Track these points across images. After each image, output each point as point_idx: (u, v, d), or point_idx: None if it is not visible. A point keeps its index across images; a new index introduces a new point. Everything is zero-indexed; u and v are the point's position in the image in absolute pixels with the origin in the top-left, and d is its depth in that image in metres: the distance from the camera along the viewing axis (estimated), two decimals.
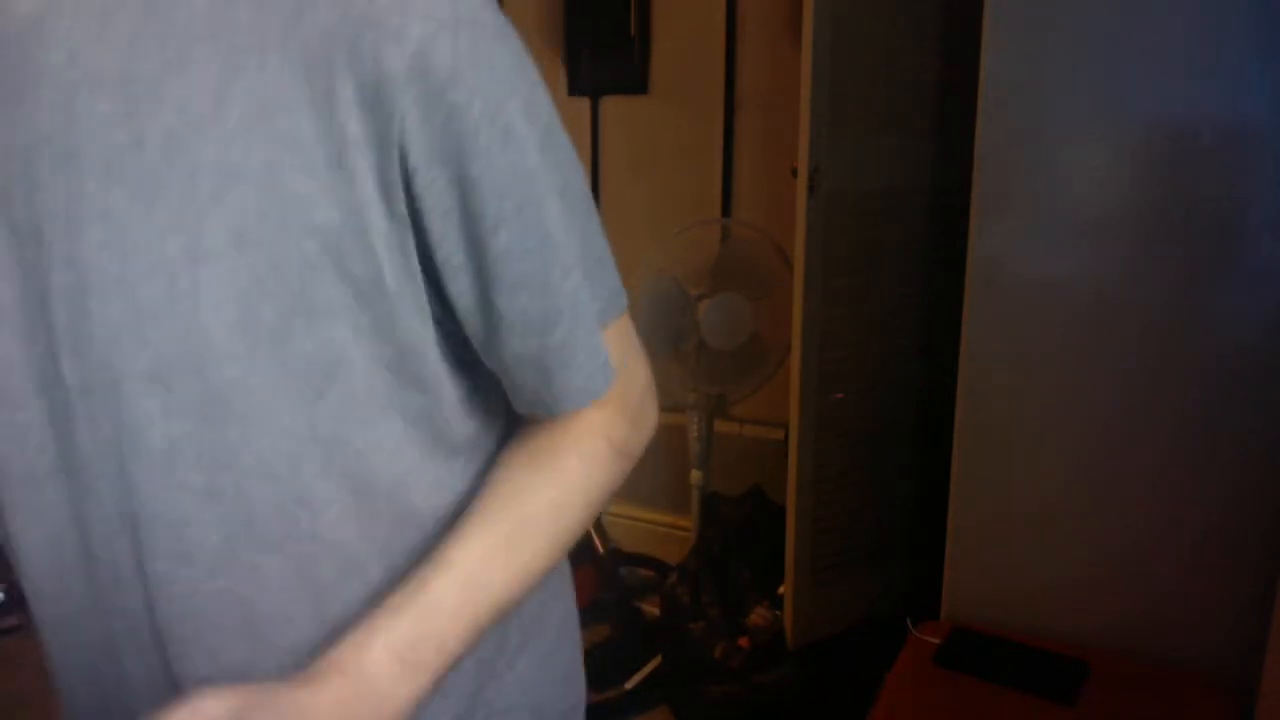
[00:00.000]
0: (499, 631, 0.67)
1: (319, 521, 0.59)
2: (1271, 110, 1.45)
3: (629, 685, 2.23)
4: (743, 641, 2.22)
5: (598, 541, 2.61)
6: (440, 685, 0.58)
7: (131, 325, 0.54)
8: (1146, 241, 1.56)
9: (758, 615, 2.26)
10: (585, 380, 0.62)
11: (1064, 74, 1.57)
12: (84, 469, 0.58)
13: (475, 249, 0.57)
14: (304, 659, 0.57)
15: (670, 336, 2.30)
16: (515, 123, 0.55)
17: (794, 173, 2.05)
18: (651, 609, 2.46)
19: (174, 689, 0.59)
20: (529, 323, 0.60)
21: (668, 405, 2.41)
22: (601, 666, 2.26)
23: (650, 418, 0.70)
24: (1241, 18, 1.44)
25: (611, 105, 2.72)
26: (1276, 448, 1.51)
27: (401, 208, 0.54)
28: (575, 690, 0.80)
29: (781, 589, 2.24)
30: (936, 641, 1.68)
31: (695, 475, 2.49)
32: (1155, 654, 1.62)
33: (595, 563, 2.53)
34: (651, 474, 2.76)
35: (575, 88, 2.72)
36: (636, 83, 2.67)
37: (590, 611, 2.44)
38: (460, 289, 0.58)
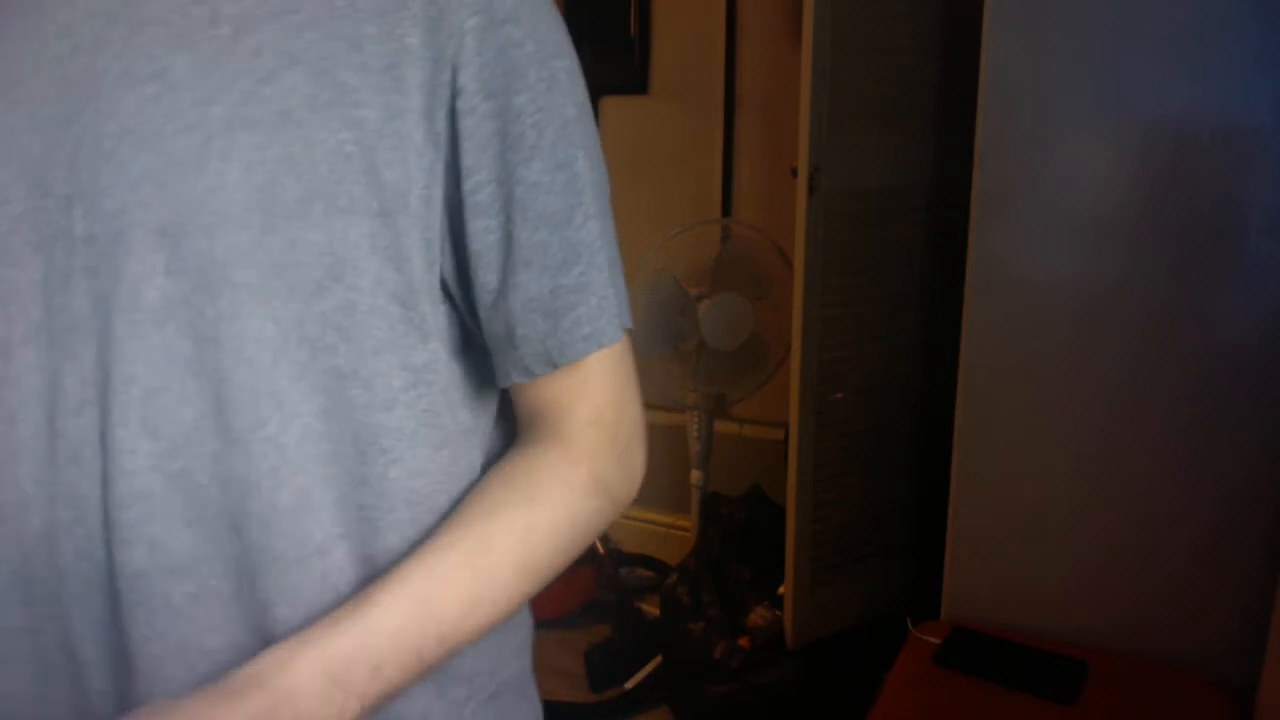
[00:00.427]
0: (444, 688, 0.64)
1: (286, 432, 0.57)
2: (1271, 110, 1.45)
3: (629, 685, 2.23)
4: (743, 641, 2.22)
5: (598, 541, 2.62)
6: None
7: (155, 175, 0.55)
8: (1146, 241, 1.56)
9: (758, 615, 2.26)
10: (593, 326, 0.62)
11: (1064, 73, 1.57)
12: (71, 327, 0.56)
13: (507, 177, 0.59)
14: (244, 571, 0.57)
15: (670, 336, 2.30)
16: (561, 77, 0.60)
17: (794, 173, 2.05)
18: (651, 609, 2.46)
19: (111, 591, 0.57)
20: (547, 259, 0.60)
21: (668, 405, 2.42)
22: (601, 666, 2.26)
23: (637, 462, 0.67)
24: (1241, 18, 1.44)
25: (611, 105, 2.72)
26: (1276, 448, 1.51)
27: (440, 127, 0.57)
28: None
29: (781, 589, 2.24)
30: (936, 641, 1.68)
31: (695, 475, 2.49)
32: (1155, 654, 1.62)
33: (595, 563, 2.53)
34: (651, 474, 2.75)
35: None
36: (636, 83, 2.68)
37: (590, 611, 2.44)
38: (483, 225, 0.59)
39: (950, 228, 1.99)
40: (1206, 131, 1.50)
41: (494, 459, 0.67)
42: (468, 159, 0.58)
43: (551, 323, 0.61)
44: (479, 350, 0.65)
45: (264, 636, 0.58)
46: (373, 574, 0.60)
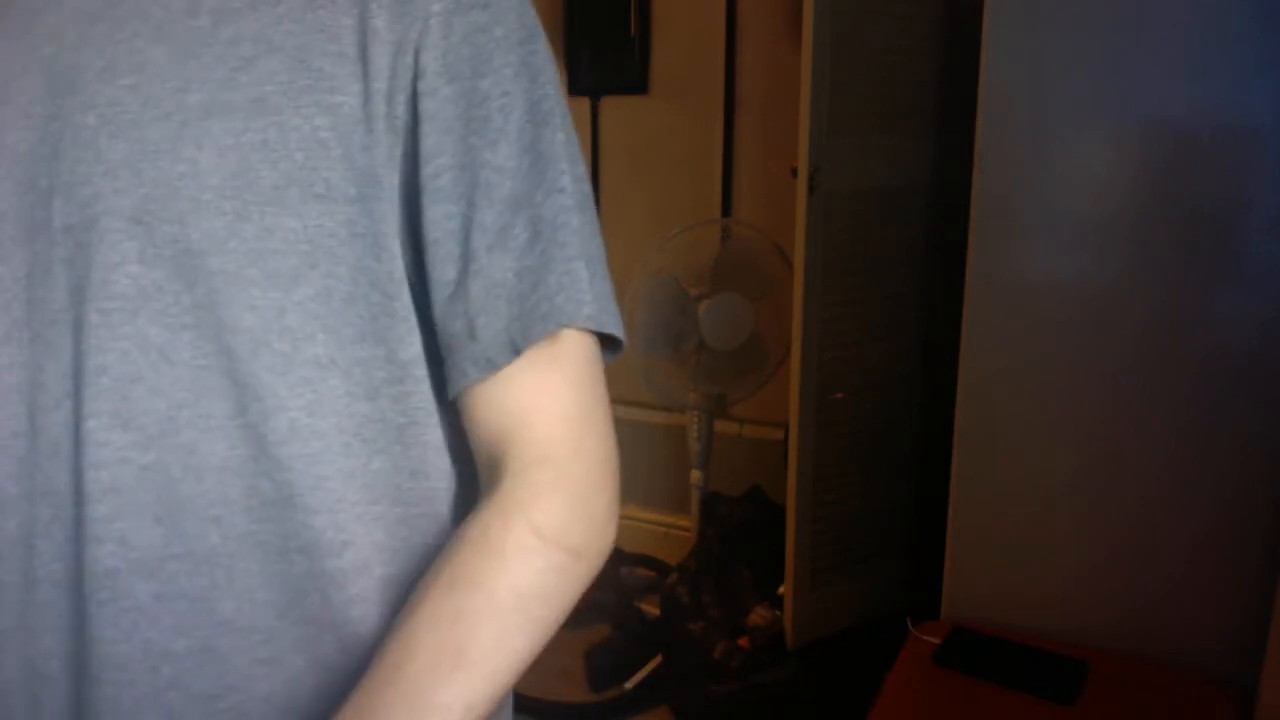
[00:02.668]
0: None
1: (267, 424, 0.56)
2: (1271, 110, 1.45)
3: (629, 685, 2.23)
4: (743, 641, 2.22)
5: None
6: None
7: (130, 162, 0.54)
8: (1146, 241, 1.56)
9: (758, 615, 2.26)
10: (551, 304, 0.57)
11: (1064, 74, 1.57)
12: (50, 319, 0.56)
13: (470, 161, 0.57)
14: (219, 571, 0.56)
15: (670, 336, 2.30)
16: (530, 60, 0.59)
17: (794, 173, 2.05)
18: (651, 609, 2.46)
19: (79, 594, 0.56)
20: (510, 241, 0.57)
21: (668, 405, 2.42)
22: (601, 666, 2.26)
23: (601, 506, 0.59)
24: (1241, 19, 1.44)
25: (611, 105, 2.72)
26: (1276, 448, 1.51)
27: (400, 111, 0.56)
28: None
29: (781, 589, 2.24)
30: (936, 641, 1.68)
31: (695, 475, 2.49)
32: (1155, 654, 1.62)
33: None
34: (651, 474, 2.76)
35: (575, 88, 2.73)
36: (636, 83, 2.68)
37: (590, 611, 2.44)
38: (442, 211, 0.57)
39: (950, 228, 1.99)
40: (1206, 131, 1.50)
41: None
42: (428, 141, 0.56)
43: (516, 306, 0.56)
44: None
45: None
46: (357, 570, 0.58)
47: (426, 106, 0.56)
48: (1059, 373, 1.65)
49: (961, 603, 1.77)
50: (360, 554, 0.59)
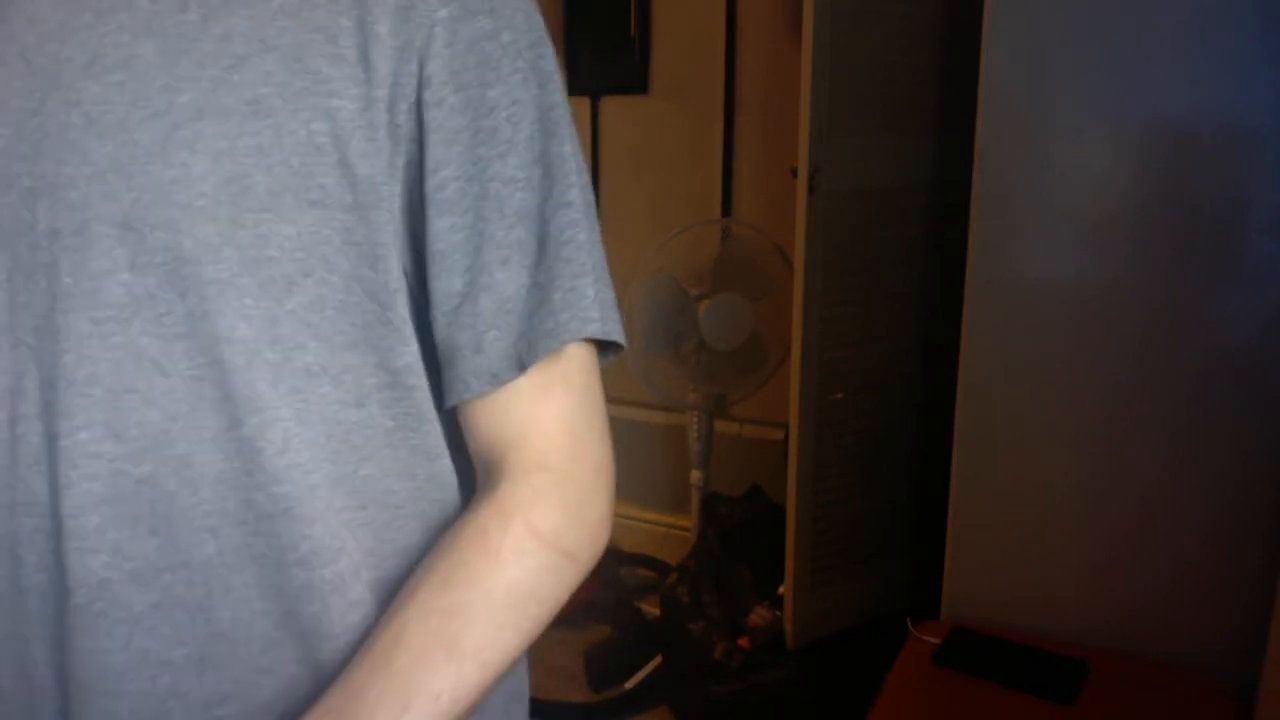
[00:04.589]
0: None
1: (262, 437, 0.55)
2: (1271, 110, 1.45)
3: (629, 685, 2.23)
4: (743, 641, 2.22)
5: None
6: None
7: (120, 166, 0.53)
8: (1146, 241, 1.56)
9: (758, 615, 2.26)
10: (555, 321, 0.57)
11: (1064, 74, 1.57)
12: (32, 329, 0.54)
13: (479, 173, 0.56)
14: (215, 581, 0.55)
15: (670, 336, 2.30)
16: (538, 66, 0.58)
17: (794, 173, 2.05)
18: (651, 609, 2.46)
19: (68, 606, 0.55)
20: (525, 257, 0.57)
21: (668, 405, 2.42)
22: (601, 666, 2.26)
23: (598, 511, 0.59)
24: (1241, 18, 1.44)
25: (611, 105, 2.73)
26: (1276, 448, 1.51)
27: (401, 120, 0.55)
28: None
29: (781, 589, 2.24)
30: (936, 641, 1.68)
31: (695, 475, 2.49)
32: (1155, 654, 1.62)
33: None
34: (651, 474, 2.76)
35: (575, 88, 2.73)
36: (636, 83, 2.68)
37: (590, 611, 2.44)
38: (448, 224, 0.56)
39: (950, 228, 1.99)
40: (1206, 132, 1.50)
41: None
42: (434, 153, 0.55)
43: (524, 322, 0.57)
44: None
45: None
46: (352, 575, 0.58)
47: (433, 116, 0.55)
48: (1059, 373, 1.65)
49: (961, 603, 1.77)
50: (352, 560, 0.58)
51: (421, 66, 0.54)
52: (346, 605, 0.58)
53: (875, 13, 2.04)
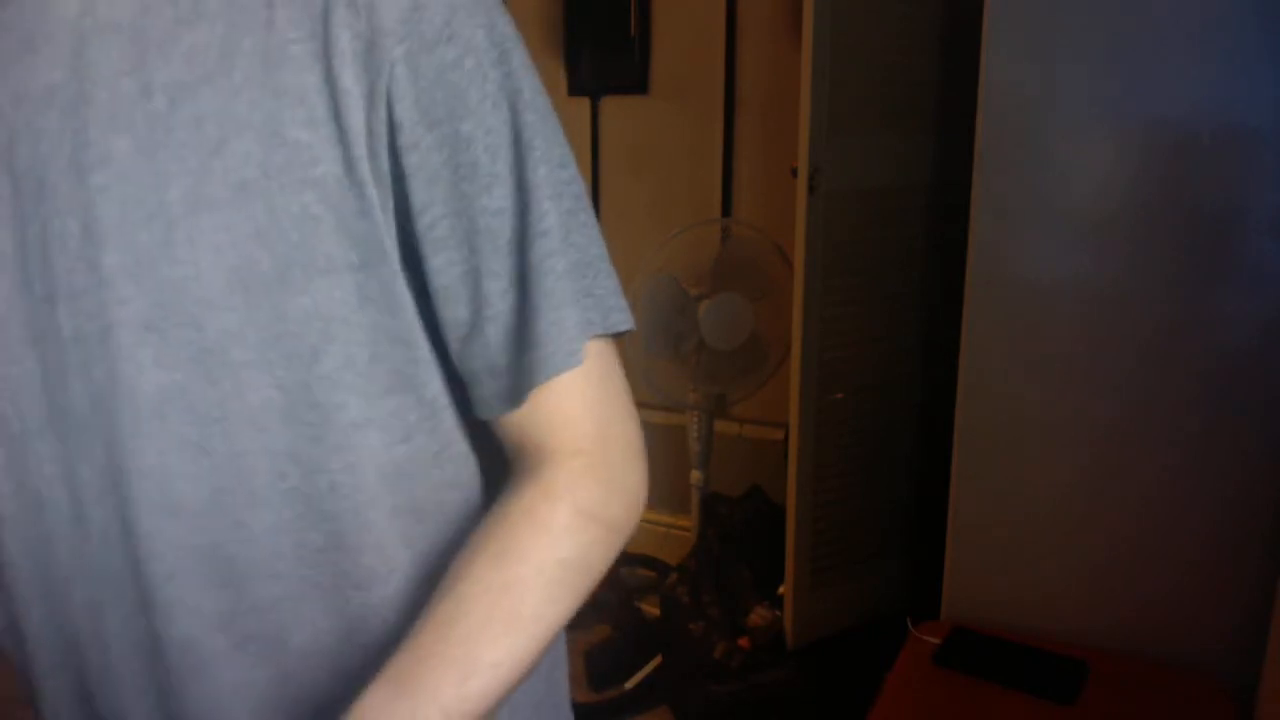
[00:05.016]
0: None
1: (310, 485, 0.58)
2: (1271, 110, 1.45)
3: (629, 685, 2.23)
4: (743, 641, 2.22)
5: None
6: None
7: (128, 271, 0.54)
8: (1146, 241, 1.56)
9: (758, 615, 2.26)
10: (543, 351, 0.58)
11: (1064, 74, 1.57)
12: (76, 424, 0.57)
13: (465, 208, 0.56)
14: (285, 613, 0.59)
15: (670, 336, 2.30)
16: (508, 83, 0.56)
17: (794, 173, 2.05)
18: (651, 609, 2.46)
19: (163, 663, 0.60)
20: (519, 285, 0.58)
21: (668, 405, 2.42)
22: (601, 666, 2.26)
23: (633, 481, 0.62)
24: (1241, 18, 1.44)
25: (611, 105, 2.72)
26: (1277, 448, 1.51)
27: (384, 165, 0.54)
28: None
29: (781, 589, 2.24)
30: (936, 641, 1.68)
31: (695, 475, 2.49)
32: (1155, 654, 1.62)
33: None
34: (652, 474, 2.75)
35: (575, 88, 2.73)
36: (636, 83, 2.67)
37: (590, 611, 2.44)
38: (444, 260, 0.57)
39: (950, 228, 1.99)
40: (1206, 132, 1.50)
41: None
42: (418, 196, 0.55)
43: (527, 354, 0.58)
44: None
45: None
46: (408, 590, 0.62)
47: (410, 160, 0.54)
48: (1059, 373, 1.65)
49: (961, 603, 1.77)
50: (405, 575, 0.62)
51: (390, 111, 0.53)
52: (401, 616, 0.62)
53: (875, 13, 2.04)
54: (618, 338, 0.63)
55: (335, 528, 0.59)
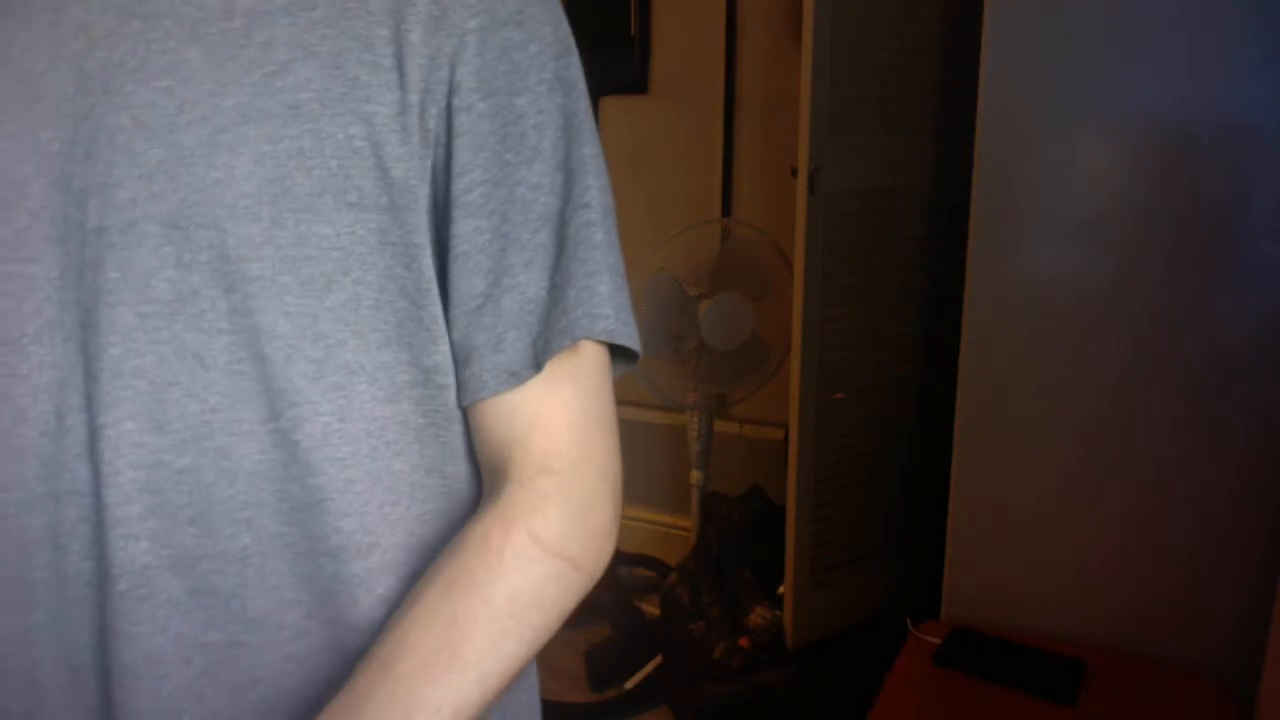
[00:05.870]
0: None
1: (300, 429, 0.57)
2: (1271, 110, 1.45)
3: (629, 685, 2.23)
4: (743, 641, 2.22)
5: None
6: None
7: (167, 168, 0.55)
8: (1145, 241, 1.56)
9: (758, 615, 2.26)
10: (569, 319, 0.58)
11: (1064, 74, 1.57)
12: (81, 325, 0.56)
13: (505, 178, 0.57)
14: (250, 571, 0.57)
15: (670, 336, 2.30)
16: (565, 76, 0.60)
17: (794, 173, 2.05)
18: (651, 609, 2.46)
19: (111, 592, 0.56)
20: (549, 260, 0.59)
21: (668, 405, 2.42)
22: (601, 666, 2.26)
23: (601, 518, 0.60)
24: (1241, 18, 1.44)
25: (611, 105, 2.72)
26: (1276, 447, 1.51)
27: (431, 124, 0.56)
28: None
29: (781, 589, 2.25)
30: (936, 641, 1.69)
31: (695, 475, 2.49)
32: (1154, 654, 1.62)
33: None
34: (651, 474, 2.76)
35: None
36: (636, 83, 2.68)
37: (590, 611, 2.44)
38: (473, 226, 0.58)
39: (950, 228, 1.99)
40: (1206, 131, 1.50)
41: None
42: (461, 156, 0.57)
43: (543, 322, 0.58)
44: None
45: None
46: (383, 571, 0.59)
47: (461, 121, 0.57)
48: (1059, 372, 1.65)
49: (961, 603, 1.77)
50: (385, 556, 0.60)
51: (452, 73, 0.56)
52: (375, 599, 0.59)
53: (875, 13, 2.04)
54: (619, 365, 0.63)
55: (319, 483, 0.57)
